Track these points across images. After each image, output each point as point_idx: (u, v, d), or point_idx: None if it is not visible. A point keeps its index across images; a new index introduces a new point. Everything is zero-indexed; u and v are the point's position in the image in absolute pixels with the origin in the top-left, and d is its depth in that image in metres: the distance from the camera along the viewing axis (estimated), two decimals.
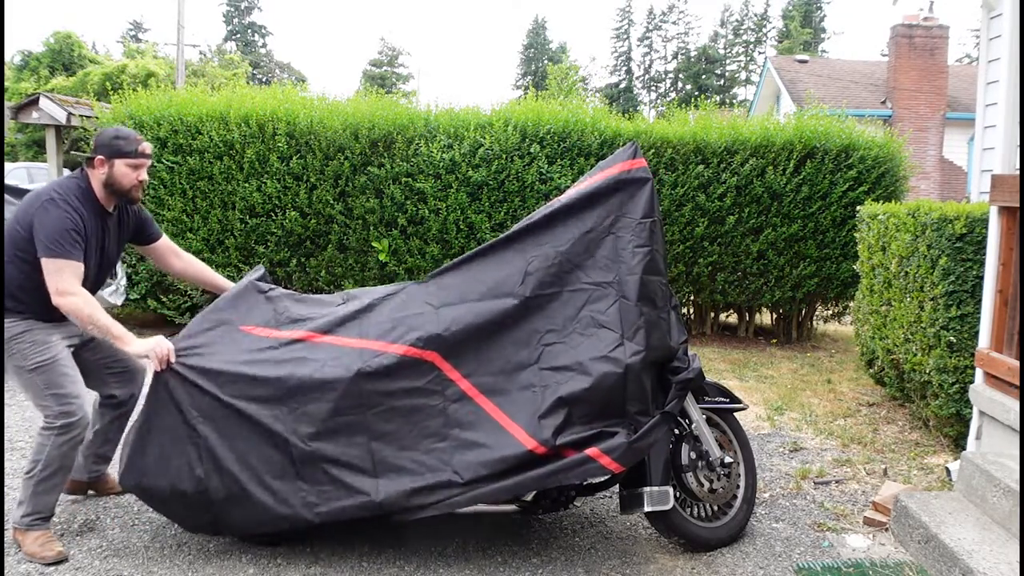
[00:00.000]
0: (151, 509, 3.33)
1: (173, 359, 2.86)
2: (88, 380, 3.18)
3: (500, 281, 2.98)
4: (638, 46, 61.30)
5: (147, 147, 3.01)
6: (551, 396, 2.80)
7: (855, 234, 5.84)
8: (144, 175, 3.01)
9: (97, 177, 2.95)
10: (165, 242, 3.36)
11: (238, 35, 57.19)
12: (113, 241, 3.10)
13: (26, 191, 6.81)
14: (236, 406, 2.80)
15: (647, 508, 2.89)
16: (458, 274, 3.07)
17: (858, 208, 5.69)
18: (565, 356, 2.87)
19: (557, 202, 3.11)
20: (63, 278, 2.77)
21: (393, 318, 2.98)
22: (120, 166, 2.93)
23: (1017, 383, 3.37)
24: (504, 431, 2.76)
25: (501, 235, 3.14)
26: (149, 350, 2.86)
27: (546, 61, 55.68)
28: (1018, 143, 3.79)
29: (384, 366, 2.83)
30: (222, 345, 2.96)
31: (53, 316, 2.91)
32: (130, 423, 3.12)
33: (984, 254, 3.85)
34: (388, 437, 2.80)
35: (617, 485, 3.15)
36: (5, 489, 3.30)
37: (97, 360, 3.19)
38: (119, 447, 3.19)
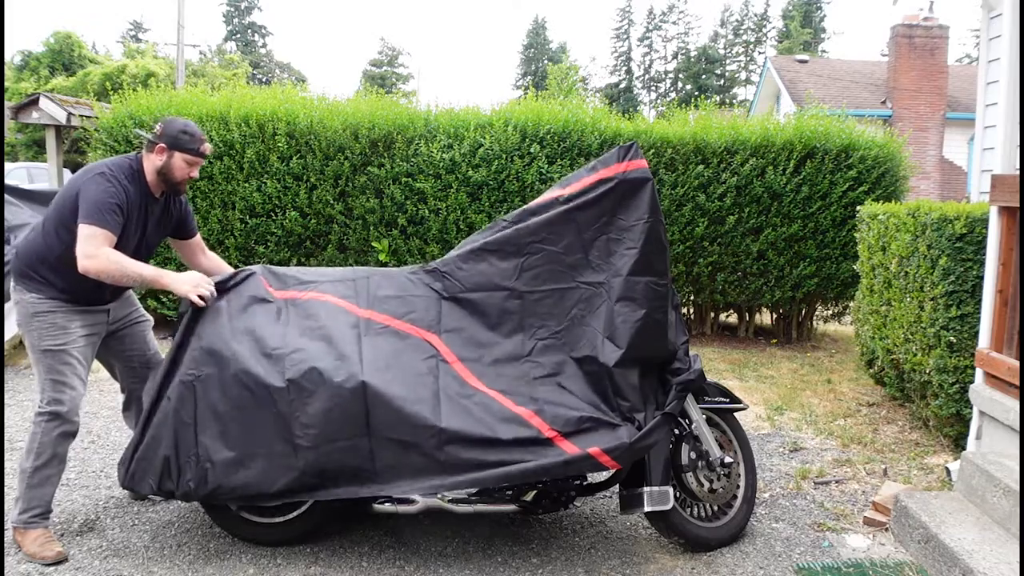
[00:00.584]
0: (151, 509, 3.34)
1: (214, 291, 2.99)
2: (112, 368, 3.28)
3: (498, 275, 3.04)
4: (638, 46, 61.32)
5: (208, 148, 3.07)
6: (542, 387, 2.85)
7: (855, 234, 5.84)
8: (196, 173, 3.07)
9: (152, 162, 2.99)
10: (198, 239, 3.40)
11: (238, 35, 57.19)
12: (154, 227, 3.12)
13: (27, 191, 6.80)
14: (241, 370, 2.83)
15: (647, 508, 2.89)
16: (462, 264, 3.12)
17: (858, 208, 5.69)
18: (555, 352, 2.92)
19: (553, 197, 3.11)
20: (93, 243, 2.78)
21: (401, 296, 3.08)
22: (179, 159, 2.99)
23: (1017, 383, 3.37)
24: (495, 401, 2.79)
25: (503, 230, 3.14)
26: (192, 285, 2.94)
27: (546, 61, 55.74)
28: (1018, 143, 3.80)
29: (387, 334, 2.93)
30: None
31: (81, 298, 2.93)
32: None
33: (984, 254, 3.85)
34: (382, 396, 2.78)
35: (617, 485, 3.15)
36: (5, 489, 3.30)
37: (123, 352, 3.22)
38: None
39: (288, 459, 2.74)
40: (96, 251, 2.78)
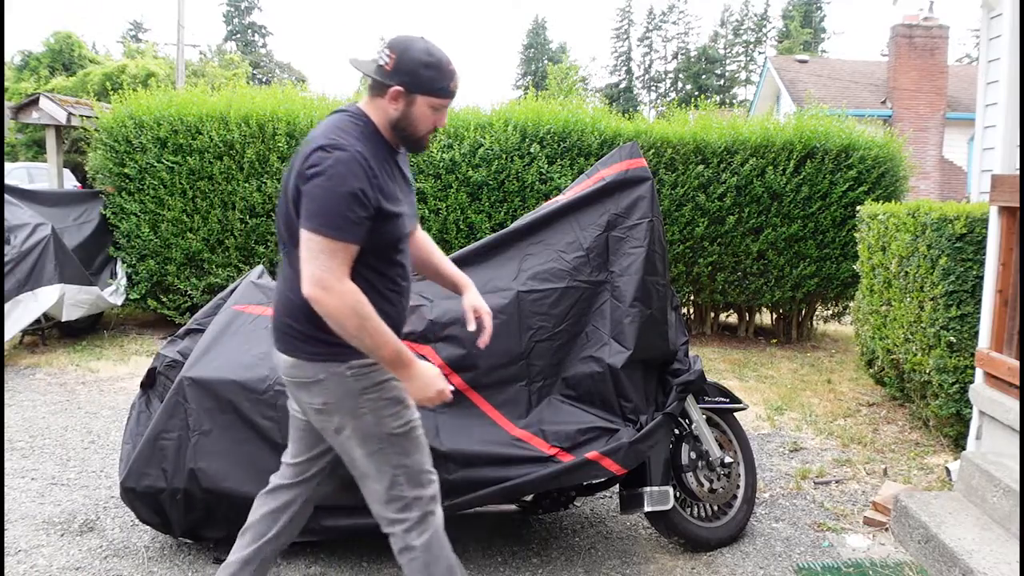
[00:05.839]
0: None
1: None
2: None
3: (495, 275, 3.01)
4: (638, 46, 61.34)
5: (457, 83, 2.06)
6: (540, 391, 2.85)
7: (855, 234, 5.84)
8: (444, 120, 2.09)
9: (384, 112, 2.03)
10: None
11: (238, 35, 57.18)
12: (409, 191, 2.18)
13: (27, 191, 6.80)
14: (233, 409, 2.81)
15: (647, 508, 2.89)
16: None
17: (858, 208, 5.69)
18: (554, 353, 2.90)
19: (556, 202, 3.13)
20: (329, 263, 1.87)
21: None
22: (422, 106, 2.01)
23: (1017, 383, 3.37)
24: (496, 425, 2.78)
25: (499, 233, 3.15)
26: (434, 392, 2.03)
27: (546, 61, 55.67)
28: (1018, 143, 3.79)
29: None
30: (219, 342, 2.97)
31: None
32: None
33: (984, 254, 3.85)
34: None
35: (617, 485, 3.15)
36: (5, 490, 3.29)
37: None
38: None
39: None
40: (335, 282, 1.86)
